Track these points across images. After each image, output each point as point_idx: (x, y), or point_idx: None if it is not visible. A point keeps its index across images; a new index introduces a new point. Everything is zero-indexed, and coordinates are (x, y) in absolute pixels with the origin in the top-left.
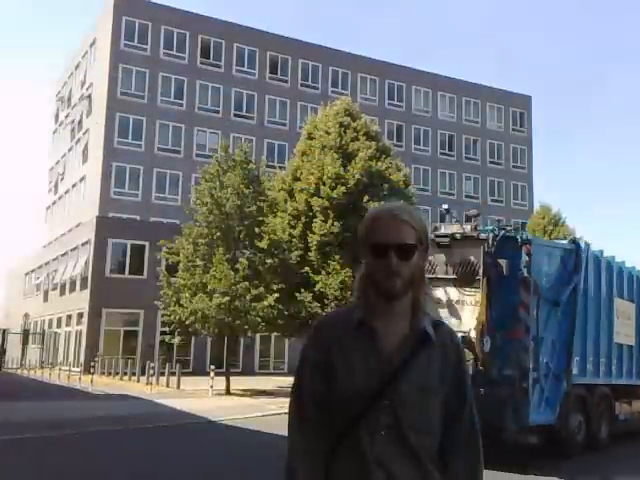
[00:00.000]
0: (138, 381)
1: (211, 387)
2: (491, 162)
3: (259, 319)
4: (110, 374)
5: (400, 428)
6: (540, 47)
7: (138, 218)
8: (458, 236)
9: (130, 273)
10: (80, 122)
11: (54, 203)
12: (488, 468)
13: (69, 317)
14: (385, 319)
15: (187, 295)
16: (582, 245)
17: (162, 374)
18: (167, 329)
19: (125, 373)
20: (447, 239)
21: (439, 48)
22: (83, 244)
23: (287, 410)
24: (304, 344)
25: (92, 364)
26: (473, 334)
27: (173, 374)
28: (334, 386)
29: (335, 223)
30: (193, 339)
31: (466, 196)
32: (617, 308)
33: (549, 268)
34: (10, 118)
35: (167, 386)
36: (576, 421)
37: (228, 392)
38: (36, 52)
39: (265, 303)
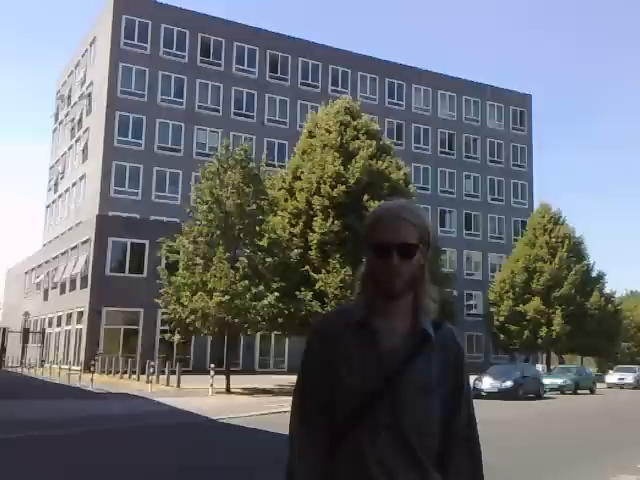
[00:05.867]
0: (138, 379)
1: (211, 386)
2: (491, 161)
3: (259, 318)
4: (110, 372)
5: (400, 428)
6: (540, 47)
7: (138, 217)
8: None
9: (130, 272)
10: (80, 121)
11: (54, 202)
12: (487, 469)
13: (69, 316)
14: (386, 318)
15: (187, 294)
16: None
17: (162, 372)
18: (167, 327)
19: (125, 371)
20: None
21: (439, 47)
22: (83, 243)
23: (288, 409)
24: (306, 344)
25: (92, 362)
26: None
27: (173, 373)
28: (335, 386)
29: (335, 222)
30: (193, 338)
31: (466, 195)
32: None
33: None
34: (10, 117)
35: (167, 385)
36: None
37: (228, 391)
38: (36, 51)
39: (265, 302)
